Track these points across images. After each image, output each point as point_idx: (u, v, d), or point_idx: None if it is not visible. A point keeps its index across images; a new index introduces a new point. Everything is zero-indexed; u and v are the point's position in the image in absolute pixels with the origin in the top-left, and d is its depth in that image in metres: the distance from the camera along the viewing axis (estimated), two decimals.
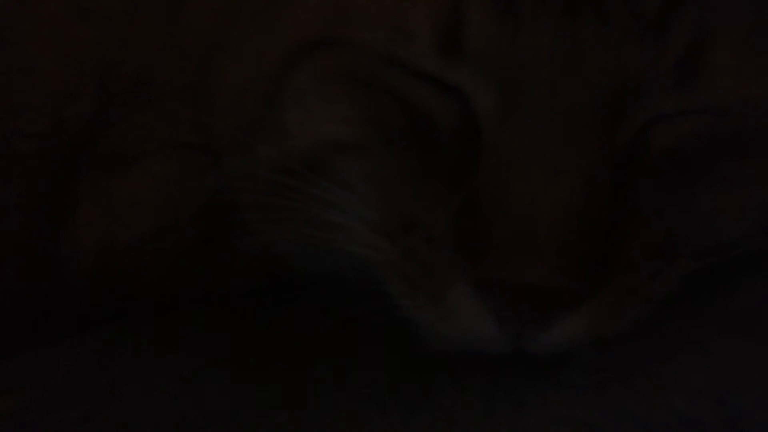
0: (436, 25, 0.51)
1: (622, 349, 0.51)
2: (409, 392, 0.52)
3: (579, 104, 0.49)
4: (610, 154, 0.50)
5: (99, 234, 0.66)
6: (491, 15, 0.49)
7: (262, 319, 0.61)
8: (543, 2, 0.49)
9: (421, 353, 0.53)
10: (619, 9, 0.49)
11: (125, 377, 0.58)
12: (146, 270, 0.65)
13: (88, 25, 0.68)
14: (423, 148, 0.52)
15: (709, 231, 0.53)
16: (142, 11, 0.68)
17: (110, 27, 0.68)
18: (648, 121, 0.51)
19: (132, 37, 0.67)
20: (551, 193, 0.49)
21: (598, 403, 0.49)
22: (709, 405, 0.48)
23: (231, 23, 0.60)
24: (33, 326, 0.66)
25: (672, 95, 0.50)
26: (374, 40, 0.52)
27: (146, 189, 0.65)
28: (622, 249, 0.50)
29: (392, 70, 0.52)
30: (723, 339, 0.51)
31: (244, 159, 0.58)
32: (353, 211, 0.54)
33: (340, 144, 0.54)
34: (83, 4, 0.69)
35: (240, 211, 0.61)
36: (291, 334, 0.59)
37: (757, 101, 0.51)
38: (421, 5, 0.51)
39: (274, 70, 0.56)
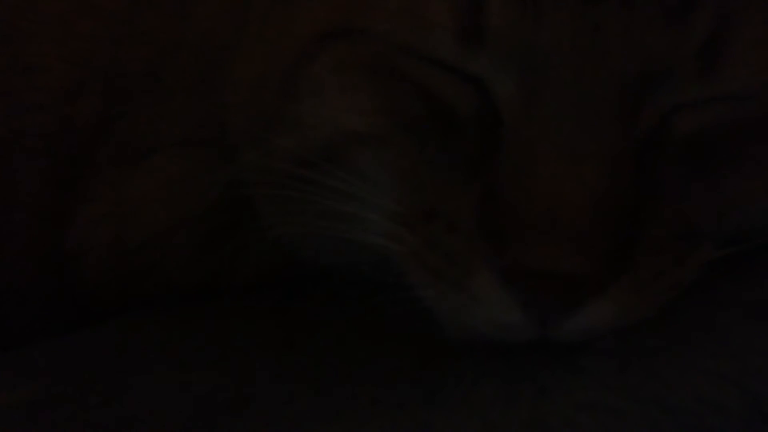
0: (455, 14, 0.51)
1: (642, 334, 0.51)
2: (429, 380, 0.52)
3: (601, 91, 0.49)
4: (633, 140, 0.50)
5: (108, 232, 0.65)
6: (513, 3, 0.50)
7: (276, 309, 0.61)
8: None
9: (440, 341, 0.53)
10: None
11: (138, 367, 0.58)
12: (157, 268, 0.65)
13: (95, 22, 0.68)
14: (442, 136, 0.52)
15: (733, 217, 0.53)
16: (149, 8, 0.68)
17: (117, 23, 0.68)
18: (671, 108, 0.51)
19: (139, 33, 0.67)
20: (574, 179, 0.49)
21: (621, 388, 0.48)
22: (734, 390, 0.47)
23: (243, 17, 0.60)
24: (40, 321, 0.66)
25: (694, 82, 0.50)
26: (392, 30, 0.52)
27: (156, 186, 0.65)
28: (646, 234, 0.50)
29: (411, 60, 0.52)
30: (746, 325, 0.51)
31: (260, 152, 0.57)
32: (371, 202, 0.54)
33: (358, 134, 0.54)
34: (89, 0, 0.69)
35: (253, 205, 0.60)
36: (305, 324, 0.59)
37: None
38: None
39: (290, 62, 0.56)
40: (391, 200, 0.53)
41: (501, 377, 0.51)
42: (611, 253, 0.49)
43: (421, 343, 0.54)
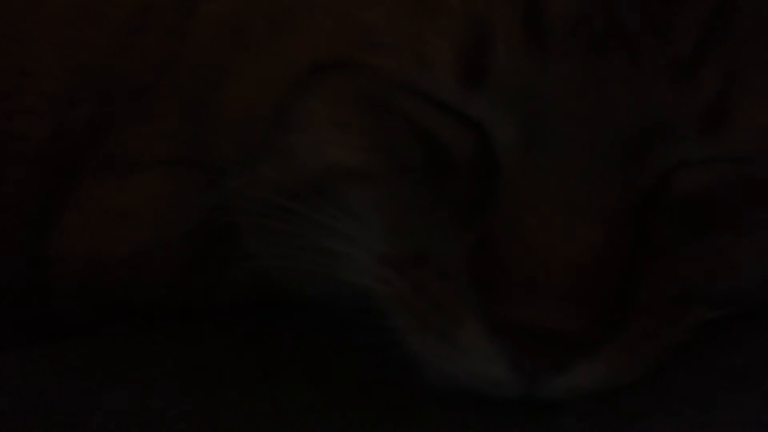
0: (458, 54, 0.49)
1: (622, 397, 0.50)
2: (399, 427, 0.50)
3: (604, 144, 0.48)
4: (632, 196, 0.49)
5: (87, 244, 0.64)
6: (519, 46, 0.48)
7: (253, 337, 0.60)
8: (573, 36, 0.48)
9: (416, 388, 0.51)
10: (651, 48, 0.48)
11: (101, 388, 0.56)
12: (134, 286, 0.63)
13: (98, 30, 0.67)
14: (438, 179, 0.51)
15: (729, 279, 0.52)
16: (152, 23, 0.67)
17: (120, 35, 0.67)
18: (673, 166, 0.50)
19: (140, 46, 0.66)
20: (571, 234, 0.47)
21: None
22: None
23: (242, 41, 0.59)
24: (13, 329, 0.64)
25: (699, 140, 0.49)
26: (392, 66, 0.51)
27: (140, 202, 0.64)
28: (642, 293, 0.49)
29: (409, 98, 0.51)
30: (728, 394, 0.50)
31: (246, 180, 0.56)
32: (359, 240, 0.53)
33: (350, 171, 0.52)
34: (94, 8, 0.67)
35: (237, 233, 0.59)
36: (281, 356, 0.57)
37: None
38: (444, 31, 0.49)
39: (284, 91, 0.54)
40: (380, 240, 0.52)
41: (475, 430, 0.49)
42: (605, 312, 0.47)
43: (397, 388, 0.53)
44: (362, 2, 0.52)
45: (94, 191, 0.64)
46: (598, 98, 0.48)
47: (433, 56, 0.50)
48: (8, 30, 0.67)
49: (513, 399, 0.49)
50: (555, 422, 0.49)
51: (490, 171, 0.50)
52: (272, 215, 0.54)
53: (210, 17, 0.61)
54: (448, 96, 0.50)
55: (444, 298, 0.50)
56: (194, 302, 0.63)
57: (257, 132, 0.55)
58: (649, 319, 0.50)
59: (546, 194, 0.48)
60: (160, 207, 0.63)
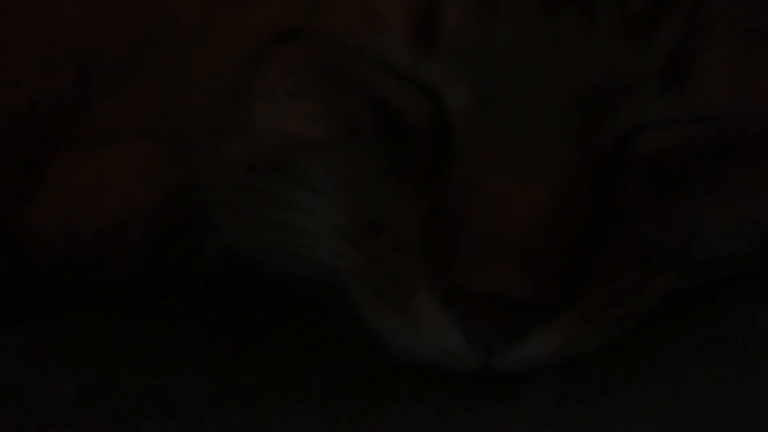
0: (409, 17, 0.48)
1: (587, 366, 0.48)
2: (361, 401, 0.49)
3: (557, 104, 0.47)
4: (590, 158, 0.47)
5: (61, 217, 0.63)
6: (469, 7, 0.47)
7: (225, 314, 0.59)
8: None
9: (380, 360, 0.51)
10: (604, 4, 0.46)
11: (70, 364, 0.56)
12: (108, 260, 0.63)
13: (80, 4, 0.67)
14: (392, 147, 0.50)
15: (698, 244, 0.50)
16: None
17: (100, 7, 0.66)
18: (633, 127, 0.48)
19: (119, 20, 0.66)
20: (524, 196, 0.46)
21: (557, 423, 0.46)
22: None
23: (209, 15, 0.58)
24: None
25: (659, 100, 0.48)
26: (344, 32, 0.50)
27: (114, 174, 0.63)
28: (602, 258, 0.48)
29: (362, 65, 0.50)
30: (698, 367, 0.48)
31: (211, 157, 0.56)
32: (319, 215, 0.52)
33: (305, 141, 0.52)
34: None
35: (206, 209, 0.58)
36: (252, 333, 0.57)
37: (752, 107, 0.48)
38: None
39: (241, 63, 0.54)
40: (338, 213, 0.51)
41: (436, 403, 0.48)
42: (560, 278, 0.46)
43: (362, 362, 0.52)
44: None
45: (68, 165, 0.64)
46: (549, 58, 0.46)
47: (384, 20, 0.49)
48: None
49: (472, 372, 0.48)
50: (517, 393, 0.48)
51: (444, 136, 0.49)
52: (236, 192, 0.54)
53: None
54: (400, 61, 0.49)
55: (398, 269, 0.49)
56: (168, 278, 0.63)
57: (219, 107, 0.55)
58: (610, 286, 0.48)
59: (499, 157, 0.47)
60: (134, 180, 0.63)
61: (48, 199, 0.64)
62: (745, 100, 0.48)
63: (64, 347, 0.58)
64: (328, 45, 0.51)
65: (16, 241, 0.64)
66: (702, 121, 0.48)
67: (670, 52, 0.47)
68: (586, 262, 0.47)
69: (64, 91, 0.65)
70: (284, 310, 0.57)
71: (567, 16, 0.46)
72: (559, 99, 0.47)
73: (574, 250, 0.46)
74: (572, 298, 0.46)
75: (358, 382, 0.51)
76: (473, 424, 0.47)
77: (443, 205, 0.47)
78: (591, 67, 0.46)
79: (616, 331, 0.49)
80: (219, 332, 0.58)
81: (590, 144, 0.47)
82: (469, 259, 0.46)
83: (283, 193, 0.52)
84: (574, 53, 0.46)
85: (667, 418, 0.45)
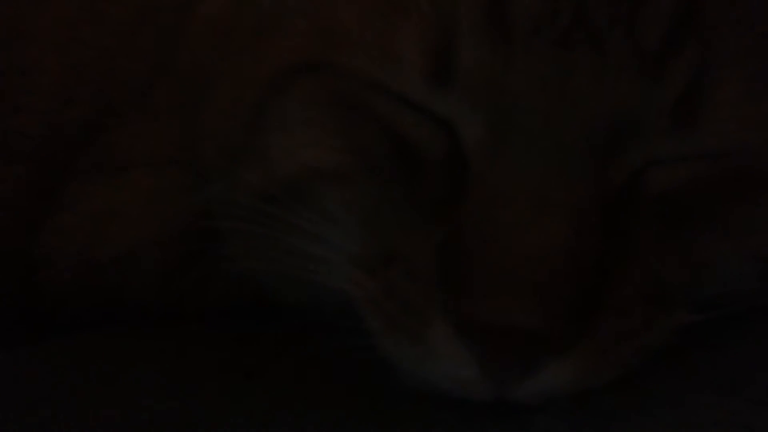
0: (425, 51, 0.49)
1: (600, 397, 0.49)
2: (373, 427, 0.50)
3: (571, 139, 0.47)
4: (603, 193, 0.48)
5: (79, 242, 0.64)
6: (484, 42, 0.48)
7: (239, 338, 0.60)
8: (537, 31, 0.47)
9: (394, 390, 0.51)
10: (617, 42, 0.47)
11: (86, 385, 0.56)
12: (123, 286, 0.64)
13: (100, 31, 0.68)
14: (408, 178, 0.51)
15: (709, 280, 0.51)
16: (152, 23, 0.67)
17: (120, 35, 0.67)
18: (644, 163, 0.49)
19: (138, 48, 0.67)
20: (538, 231, 0.47)
21: None
22: None
23: (226, 46, 0.59)
24: (5, 328, 0.65)
25: (670, 137, 0.48)
26: (360, 65, 0.51)
27: (131, 201, 0.64)
28: (614, 293, 0.48)
29: (378, 97, 0.51)
30: (709, 399, 0.49)
31: (226, 184, 0.56)
32: (334, 244, 0.52)
33: (322, 171, 0.52)
34: (98, 7, 0.68)
35: (221, 237, 0.59)
36: (265, 358, 0.57)
37: (762, 145, 0.49)
38: (410, 29, 0.49)
39: (260, 94, 0.54)
40: (353, 242, 0.52)
41: (447, 430, 0.49)
42: (573, 311, 0.46)
43: (375, 390, 0.52)
44: (334, 4, 0.52)
45: (85, 191, 0.65)
46: (563, 94, 0.47)
47: (401, 56, 0.49)
48: (10, 29, 0.68)
49: (486, 403, 0.49)
50: (529, 421, 0.49)
51: (459, 169, 0.49)
52: (251, 220, 0.54)
53: (202, 19, 0.62)
54: (416, 95, 0.50)
55: (412, 298, 0.49)
56: (182, 304, 0.63)
57: (236, 136, 0.56)
58: (622, 320, 0.48)
59: (513, 190, 0.47)
60: (149, 208, 0.63)
61: (64, 225, 0.64)
62: (756, 138, 0.49)
63: (78, 370, 0.59)
64: (346, 78, 0.51)
65: (32, 265, 0.64)
66: (713, 158, 0.49)
67: (682, 90, 0.48)
68: (598, 296, 0.48)
69: (82, 117, 0.66)
70: (297, 335, 0.57)
71: (580, 52, 0.47)
72: (572, 134, 0.47)
73: (586, 283, 0.47)
74: (585, 331, 0.47)
75: (370, 409, 0.51)
76: None
77: (458, 236, 0.48)
78: (604, 103, 0.47)
79: (628, 364, 0.49)
80: (232, 357, 0.58)
81: (603, 179, 0.48)
82: (484, 291, 0.46)
83: (298, 221, 0.53)
84: (587, 89, 0.47)
85: None
